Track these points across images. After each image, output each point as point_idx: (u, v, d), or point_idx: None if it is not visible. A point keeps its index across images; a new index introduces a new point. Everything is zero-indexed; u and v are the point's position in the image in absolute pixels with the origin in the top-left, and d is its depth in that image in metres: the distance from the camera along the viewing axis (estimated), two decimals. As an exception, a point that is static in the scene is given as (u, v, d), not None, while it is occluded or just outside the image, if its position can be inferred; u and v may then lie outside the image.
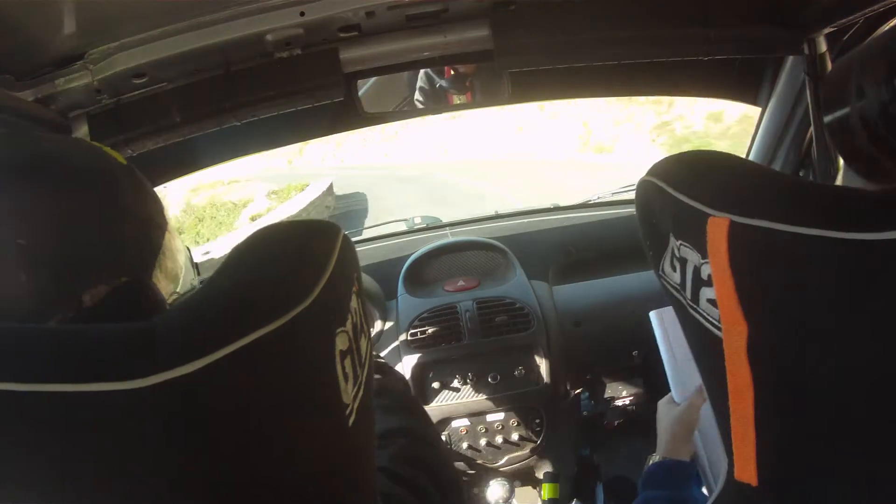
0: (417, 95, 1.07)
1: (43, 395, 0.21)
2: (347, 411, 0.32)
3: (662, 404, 0.80)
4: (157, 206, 0.45)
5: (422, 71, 1.03)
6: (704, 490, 0.74)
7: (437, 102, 1.06)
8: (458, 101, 1.06)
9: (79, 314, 0.35)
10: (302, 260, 0.33)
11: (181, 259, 0.47)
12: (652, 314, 0.86)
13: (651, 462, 0.74)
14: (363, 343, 0.36)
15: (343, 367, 0.32)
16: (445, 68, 1.03)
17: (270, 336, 0.26)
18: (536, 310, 1.29)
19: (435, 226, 1.60)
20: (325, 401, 0.31)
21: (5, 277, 0.34)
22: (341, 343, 0.32)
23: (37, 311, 0.35)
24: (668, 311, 0.83)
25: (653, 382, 1.35)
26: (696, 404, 0.76)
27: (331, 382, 0.31)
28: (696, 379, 0.80)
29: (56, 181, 0.37)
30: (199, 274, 0.54)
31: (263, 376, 0.26)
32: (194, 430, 0.24)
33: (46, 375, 0.21)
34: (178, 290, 0.46)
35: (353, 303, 0.35)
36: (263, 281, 0.30)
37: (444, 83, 1.04)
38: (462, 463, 1.28)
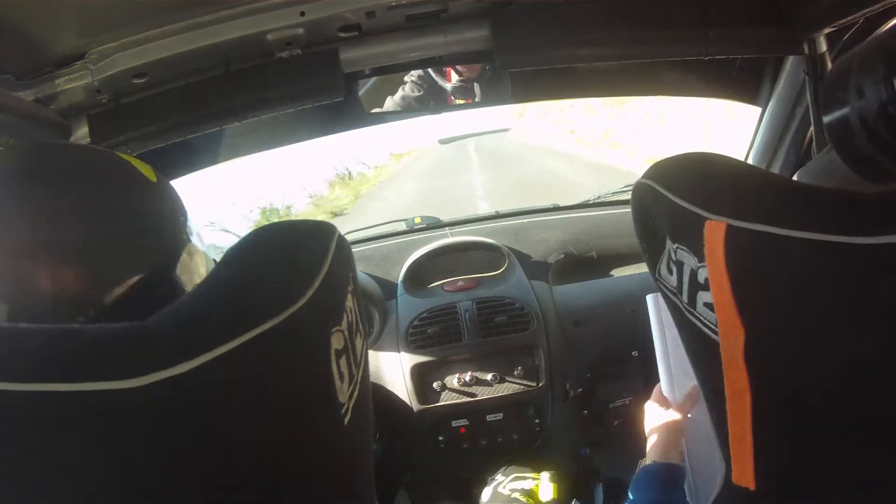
0: (408, 94, 1.06)
1: (39, 395, 0.21)
2: (343, 410, 0.32)
3: (650, 406, 0.80)
4: (175, 200, 0.45)
5: (415, 73, 1.03)
6: (686, 492, 0.74)
7: (437, 102, 1.05)
8: (459, 101, 1.06)
9: (103, 312, 0.35)
10: (297, 260, 0.33)
11: (202, 250, 0.47)
12: (649, 297, 0.83)
13: (641, 466, 0.73)
14: (359, 342, 0.37)
15: (338, 366, 0.32)
16: (447, 71, 1.02)
17: (265, 335, 0.26)
18: (536, 310, 1.29)
19: (435, 225, 1.59)
20: (320, 399, 0.31)
21: (28, 278, 0.34)
22: (336, 342, 0.32)
23: (60, 310, 0.35)
24: None
25: (653, 382, 1.35)
26: (685, 409, 0.76)
27: (326, 381, 0.31)
28: (687, 370, 0.79)
29: (76, 183, 0.38)
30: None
31: (258, 375, 0.26)
32: (190, 428, 0.24)
33: (42, 375, 0.21)
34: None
35: (349, 302, 0.35)
36: (259, 281, 0.30)
37: (447, 87, 1.03)
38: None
